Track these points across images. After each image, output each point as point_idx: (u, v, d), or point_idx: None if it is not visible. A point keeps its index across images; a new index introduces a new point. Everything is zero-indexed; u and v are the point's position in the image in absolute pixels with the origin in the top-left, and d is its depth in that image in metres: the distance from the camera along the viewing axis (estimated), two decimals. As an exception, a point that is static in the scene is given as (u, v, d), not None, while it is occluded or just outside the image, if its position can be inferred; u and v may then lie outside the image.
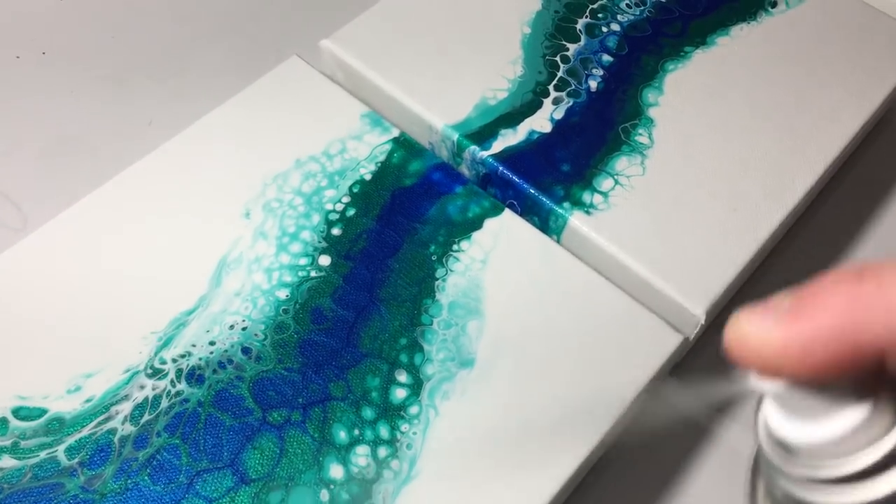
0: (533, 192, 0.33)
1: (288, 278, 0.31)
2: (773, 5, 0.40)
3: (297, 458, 0.27)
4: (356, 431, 0.28)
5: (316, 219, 0.33)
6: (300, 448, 0.27)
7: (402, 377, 0.29)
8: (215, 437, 0.28)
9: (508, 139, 0.35)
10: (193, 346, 0.29)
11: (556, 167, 0.34)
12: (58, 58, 0.43)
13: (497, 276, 0.31)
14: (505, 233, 0.33)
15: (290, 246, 0.32)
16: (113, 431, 0.27)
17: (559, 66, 0.37)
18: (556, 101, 0.36)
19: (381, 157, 0.34)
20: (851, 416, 0.15)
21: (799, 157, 0.35)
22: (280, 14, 0.46)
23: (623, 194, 0.34)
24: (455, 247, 0.32)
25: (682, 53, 0.38)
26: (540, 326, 0.30)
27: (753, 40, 0.39)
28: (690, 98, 0.37)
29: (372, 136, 0.35)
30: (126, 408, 0.28)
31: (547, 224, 0.34)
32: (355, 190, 0.33)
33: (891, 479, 0.15)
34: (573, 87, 0.37)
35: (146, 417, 0.28)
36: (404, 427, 0.28)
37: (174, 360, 0.29)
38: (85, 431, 0.27)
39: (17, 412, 0.28)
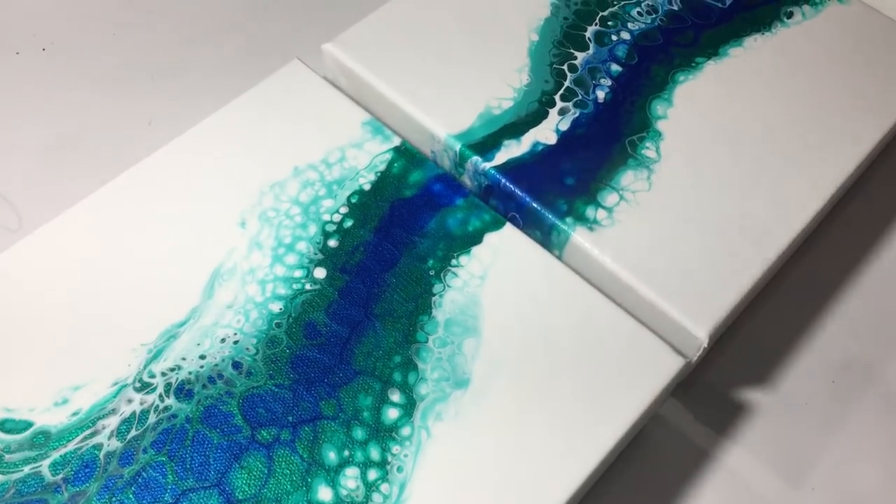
0: (535, 205, 0.33)
1: (282, 291, 0.30)
2: (789, 16, 0.39)
3: (285, 478, 0.27)
4: (346, 452, 0.27)
5: (313, 230, 0.32)
6: (289, 468, 0.27)
7: (395, 396, 0.28)
8: (202, 454, 0.27)
9: (512, 150, 0.34)
10: (183, 359, 0.29)
11: (560, 180, 0.33)
12: (58, 54, 0.43)
13: (496, 293, 0.31)
14: (505, 248, 0.32)
15: (285, 257, 0.31)
16: (99, 447, 0.27)
17: (566, 76, 0.36)
18: (562, 112, 0.35)
19: (381, 167, 0.34)
20: None
21: (811, 174, 0.34)
22: (284, 15, 0.45)
23: (628, 210, 0.33)
24: (454, 262, 0.31)
25: (693, 64, 0.37)
26: (538, 346, 0.30)
27: (767, 52, 0.38)
28: (700, 111, 0.36)
29: (372, 144, 0.34)
30: (113, 422, 0.27)
31: (549, 238, 0.33)
32: (354, 200, 0.33)
33: None
34: (580, 97, 0.36)
35: (133, 433, 0.27)
36: (395, 449, 0.27)
37: (163, 374, 0.28)
38: (70, 446, 0.27)
39: (3, 425, 0.27)
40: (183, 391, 0.28)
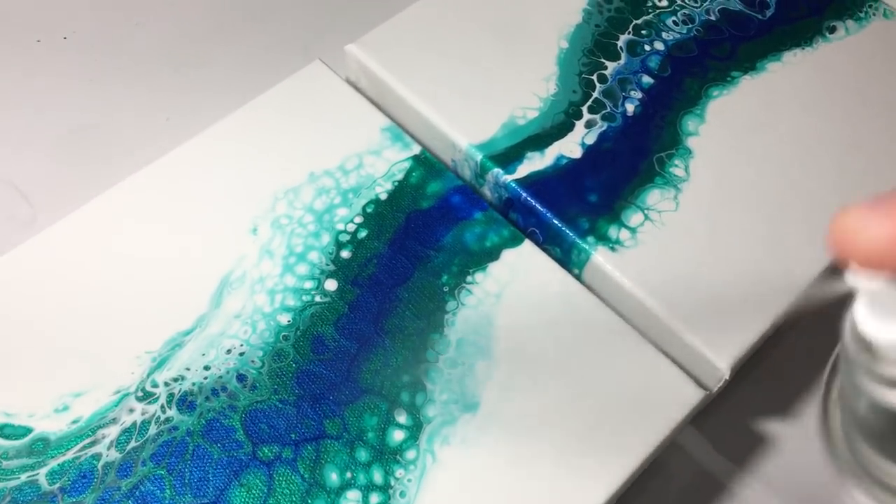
0: (556, 222, 0.32)
1: (291, 302, 0.30)
2: (832, 31, 0.37)
3: (284, 498, 0.26)
4: (348, 474, 0.26)
5: (325, 239, 0.31)
6: (289, 488, 0.26)
7: (402, 418, 0.28)
8: (202, 470, 0.26)
9: (535, 163, 0.33)
10: (188, 369, 0.28)
11: (583, 197, 0.32)
12: (79, 43, 0.42)
13: (511, 314, 0.30)
14: (523, 266, 0.31)
15: (296, 267, 0.30)
16: (97, 457, 0.26)
17: (595, 86, 0.35)
18: (589, 125, 0.34)
19: (399, 176, 0.33)
20: None
21: (847, 199, 0.33)
22: (309, 13, 0.44)
23: (652, 231, 0.31)
24: (469, 278, 0.30)
25: (728, 78, 0.36)
26: (552, 371, 0.29)
27: (807, 68, 0.36)
28: (734, 128, 0.34)
29: (391, 151, 0.33)
30: (113, 432, 0.27)
31: (569, 257, 0.32)
32: (369, 210, 0.32)
33: None
34: (608, 109, 0.35)
35: (133, 444, 0.27)
36: (399, 473, 0.27)
37: (166, 384, 0.28)
38: (69, 455, 0.26)
39: (2, 430, 0.27)
40: (185, 402, 0.27)
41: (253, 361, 0.28)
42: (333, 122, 0.34)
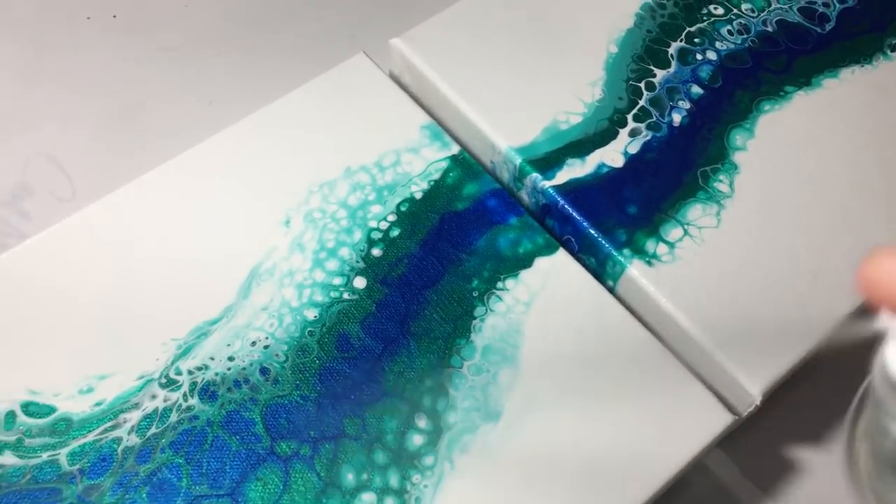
0: (592, 232, 0.31)
1: (319, 298, 0.29)
2: (893, 49, 0.36)
3: (299, 496, 0.26)
4: (364, 476, 0.26)
5: (357, 236, 0.31)
6: (304, 486, 0.26)
7: (422, 422, 0.27)
8: (219, 461, 0.26)
9: (575, 170, 0.32)
10: (212, 359, 0.28)
11: (622, 208, 0.31)
12: (128, 22, 0.42)
13: (540, 323, 0.29)
14: (556, 275, 0.30)
15: (326, 262, 0.30)
16: (118, 441, 0.26)
17: (642, 94, 0.34)
18: (633, 133, 0.33)
19: (436, 175, 0.32)
20: None
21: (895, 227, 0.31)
22: (357, 5, 0.44)
23: (691, 247, 0.31)
24: (500, 284, 0.30)
25: (781, 93, 0.34)
26: (579, 384, 0.28)
27: (864, 86, 0.35)
28: (784, 145, 0.33)
29: (430, 150, 0.33)
30: (135, 417, 0.27)
31: (603, 268, 0.31)
32: (403, 209, 0.31)
33: None
34: (654, 119, 0.34)
35: (153, 430, 0.27)
36: (416, 478, 0.26)
37: (190, 372, 0.28)
38: (90, 437, 0.27)
39: (27, 407, 0.27)
40: (207, 392, 0.27)
41: (277, 355, 0.28)
42: (373, 116, 0.34)
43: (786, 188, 0.32)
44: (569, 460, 0.27)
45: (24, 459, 0.26)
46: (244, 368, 0.28)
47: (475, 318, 0.29)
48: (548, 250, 0.31)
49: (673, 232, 0.31)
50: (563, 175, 0.32)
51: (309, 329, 0.29)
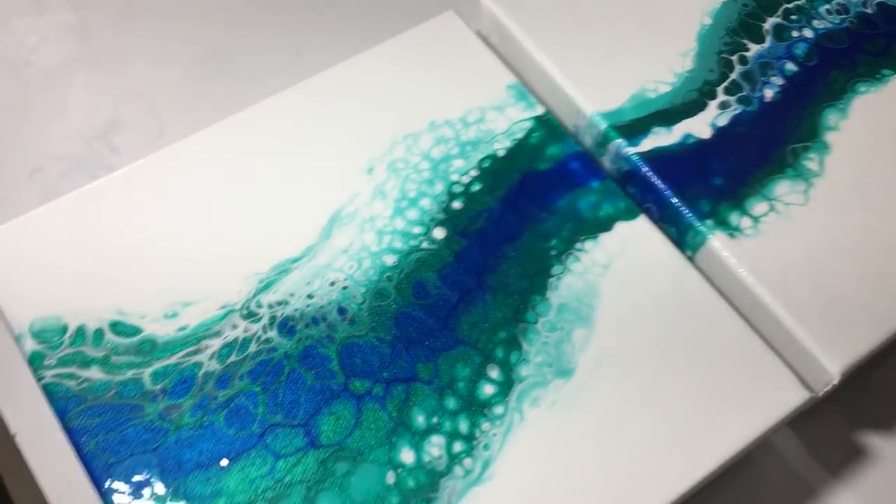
0: (675, 201, 0.31)
1: (398, 244, 0.30)
2: None
3: (370, 433, 0.26)
4: (435, 419, 0.27)
5: (439, 188, 0.31)
6: (375, 423, 0.27)
7: (494, 373, 0.27)
8: (295, 393, 0.27)
9: (660, 139, 0.32)
10: (292, 295, 0.29)
11: (707, 179, 0.31)
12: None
13: (617, 286, 0.29)
14: (635, 241, 0.30)
15: (407, 211, 0.31)
16: (199, 365, 0.27)
17: (734, 68, 0.34)
18: (723, 106, 0.33)
19: (520, 135, 0.32)
20: None
21: None
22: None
23: (776, 222, 0.30)
24: (578, 245, 0.30)
25: (878, 76, 0.34)
26: (653, 349, 0.28)
27: (967, 74, 0.34)
28: (878, 128, 0.32)
29: (515, 110, 0.33)
30: (216, 344, 0.28)
31: (683, 238, 0.31)
32: (485, 165, 0.32)
33: None
34: (745, 93, 0.33)
35: (233, 358, 0.27)
36: (485, 426, 0.27)
37: (270, 306, 0.28)
38: (173, 359, 0.27)
39: (115, 326, 0.28)
40: (286, 327, 0.28)
41: (355, 297, 0.29)
42: (460, 73, 0.34)
43: (877, 171, 0.31)
44: (637, 423, 0.27)
45: (110, 375, 0.27)
46: (322, 307, 0.28)
47: (552, 276, 0.29)
48: (628, 215, 0.31)
49: (758, 206, 0.31)
50: (648, 143, 0.32)
51: (387, 274, 0.29)
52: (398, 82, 0.34)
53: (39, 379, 0.27)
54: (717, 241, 0.30)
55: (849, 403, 0.32)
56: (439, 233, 0.30)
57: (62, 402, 0.26)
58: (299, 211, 0.30)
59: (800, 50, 0.34)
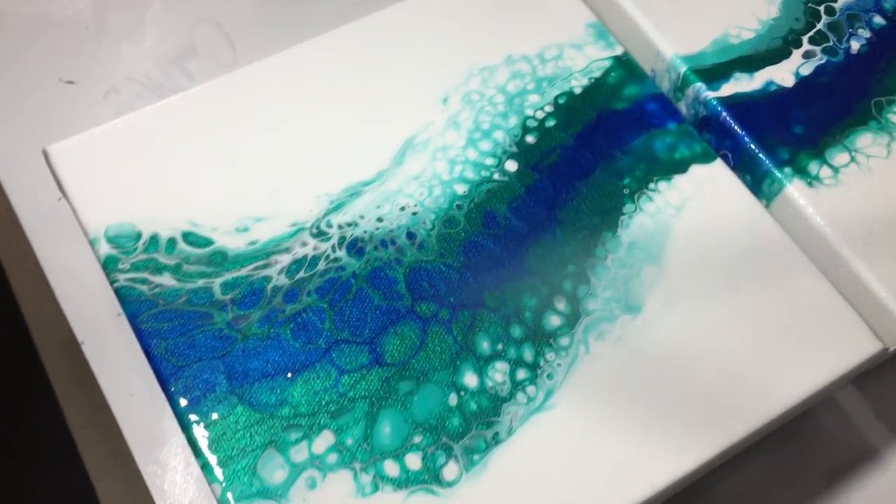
0: (753, 146, 0.30)
1: (470, 174, 0.30)
2: None
3: (434, 355, 0.26)
4: (499, 346, 0.27)
5: (513, 121, 0.31)
6: (440, 346, 0.27)
7: (561, 305, 0.27)
8: (361, 311, 0.27)
9: (741, 85, 0.31)
10: (362, 217, 0.29)
11: (788, 127, 0.30)
12: None
13: (689, 228, 0.29)
14: (710, 184, 0.30)
15: (479, 143, 0.30)
16: (268, 279, 0.28)
17: (821, 17, 0.33)
18: (808, 56, 0.32)
19: (597, 74, 0.32)
20: None
21: None
22: None
23: (857, 174, 0.30)
24: (651, 185, 0.30)
25: (972, 32, 0.33)
26: (723, 292, 0.28)
27: None
28: (968, 85, 0.31)
29: (593, 49, 0.32)
30: (285, 259, 0.28)
31: (759, 187, 0.30)
32: (561, 101, 0.31)
33: None
34: (831, 43, 0.32)
35: (301, 274, 0.28)
36: (550, 356, 0.26)
37: (340, 227, 0.29)
38: (243, 272, 0.28)
39: (187, 236, 0.28)
40: (355, 247, 0.28)
41: (424, 223, 0.29)
42: (539, 9, 0.33)
43: (967, 127, 0.30)
44: (704, 363, 0.27)
45: (181, 283, 0.27)
46: (391, 230, 0.29)
47: (623, 214, 0.29)
48: (705, 159, 0.30)
49: (839, 157, 0.30)
50: (729, 88, 0.31)
51: (457, 202, 0.29)
52: (476, 16, 0.33)
53: (113, 282, 0.27)
54: (794, 189, 0.29)
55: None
56: (511, 165, 0.30)
57: (134, 306, 0.27)
58: (372, 137, 0.30)
59: (889, 3, 0.33)
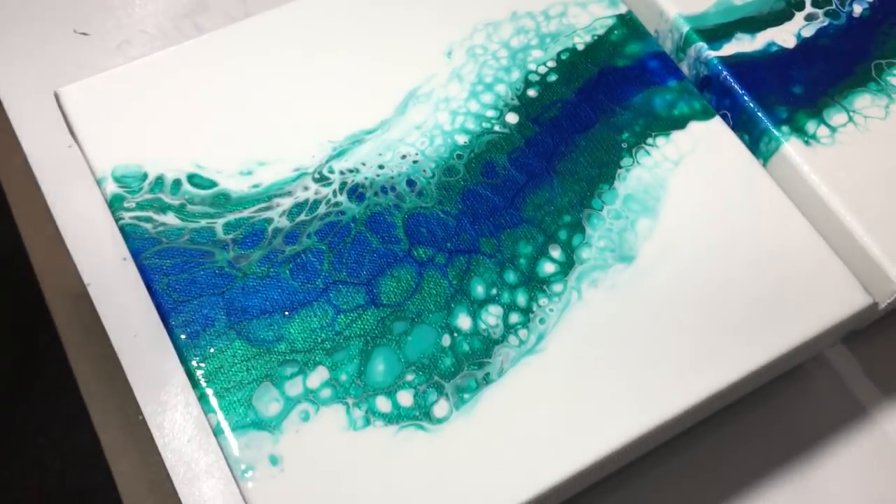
0: (752, 105, 0.30)
1: (471, 125, 0.30)
2: None
3: (430, 297, 0.27)
4: (494, 290, 0.27)
5: (515, 75, 0.31)
6: (436, 289, 0.27)
7: (556, 253, 0.28)
8: (359, 254, 0.28)
9: (743, 45, 0.32)
10: (363, 164, 0.29)
11: (787, 87, 0.31)
12: None
13: (685, 182, 0.29)
14: (708, 141, 0.30)
15: (482, 95, 0.31)
16: (269, 220, 0.28)
17: (825, -19, 0.33)
18: (810, 18, 0.32)
19: (600, 31, 0.32)
20: None
21: None
22: None
23: (854, 134, 0.30)
24: (650, 140, 0.30)
25: (976, -2, 0.33)
26: (716, 245, 0.28)
27: None
28: (970, 50, 0.31)
29: (598, 6, 0.33)
30: (287, 203, 0.28)
31: (757, 146, 0.31)
32: (563, 57, 0.32)
33: None
34: (834, 6, 0.32)
35: (302, 217, 0.28)
36: (543, 301, 0.27)
37: (342, 173, 0.29)
38: (245, 213, 0.28)
39: (192, 178, 0.29)
40: (356, 193, 0.29)
41: (424, 171, 0.29)
42: (545, -32, 0.34)
43: (966, 90, 0.31)
44: (696, 311, 0.27)
45: (185, 222, 0.28)
46: (392, 177, 0.29)
47: (621, 168, 0.29)
48: (703, 116, 0.30)
49: (837, 117, 0.30)
50: (730, 48, 0.32)
51: (458, 152, 0.30)
52: (482, -27, 0.34)
53: (118, 220, 0.28)
54: (791, 147, 0.29)
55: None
56: (512, 118, 0.30)
57: (138, 243, 0.28)
58: (376, 86, 0.31)
59: (896, -32, 0.33)
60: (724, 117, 0.32)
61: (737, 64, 0.31)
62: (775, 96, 0.30)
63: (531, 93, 0.31)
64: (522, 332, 0.26)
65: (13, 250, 0.39)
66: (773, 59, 0.31)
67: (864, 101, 0.30)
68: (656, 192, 0.29)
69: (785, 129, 0.30)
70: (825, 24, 0.32)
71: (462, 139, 0.30)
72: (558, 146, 0.30)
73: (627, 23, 0.32)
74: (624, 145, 0.30)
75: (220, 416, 0.25)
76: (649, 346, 0.26)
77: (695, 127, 0.30)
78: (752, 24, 0.32)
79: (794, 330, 0.27)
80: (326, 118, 0.30)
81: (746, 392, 0.29)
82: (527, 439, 0.25)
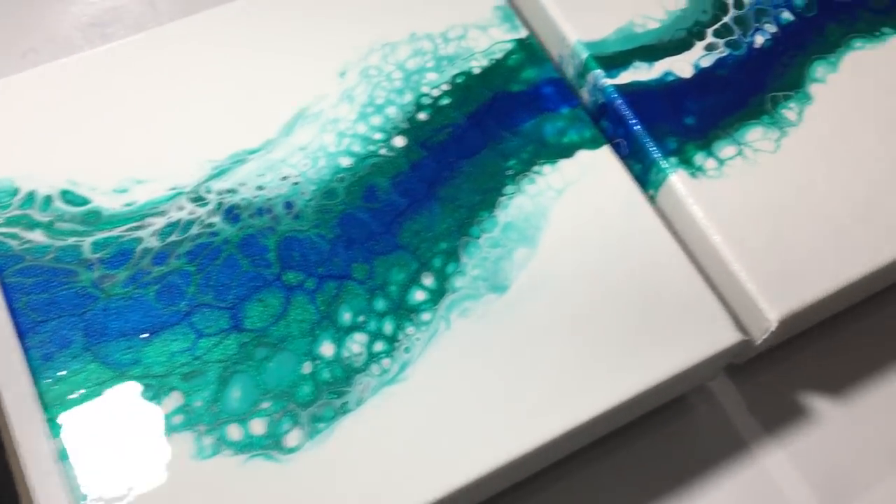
0: (642, 134, 0.30)
1: (356, 148, 0.30)
2: None
3: (295, 323, 0.26)
4: (361, 318, 0.27)
5: (408, 98, 0.31)
6: (302, 315, 0.27)
7: (428, 281, 0.27)
8: (228, 277, 0.27)
9: (640, 73, 0.31)
10: (242, 184, 0.29)
11: (679, 118, 0.30)
12: None
13: (567, 212, 0.29)
14: (594, 170, 0.29)
15: (371, 117, 0.30)
16: (139, 240, 0.28)
17: (728, 11, 0.33)
18: (710, 48, 0.32)
19: (498, 55, 0.32)
20: None
21: (972, 187, 0.29)
22: None
23: (742, 167, 0.29)
24: (536, 168, 0.30)
25: (877, 33, 0.32)
26: (591, 276, 0.28)
27: (972, 40, 0.32)
28: (865, 86, 0.31)
29: (498, 30, 0.32)
30: (160, 222, 0.28)
31: (647, 175, 0.30)
32: (458, 80, 0.31)
33: None
34: (736, 37, 0.32)
35: (173, 238, 0.28)
36: (410, 330, 0.26)
37: (219, 193, 0.29)
38: (115, 232, 0.28)
39: (65, 194, 0.28)
40: (231, 214, 0.28)
41: (304, 193, 0.29)
42: (448, -11, 0.33)
43: (855, 127, 0.30)
44: (565, 342, 0.26)
45: (52, 240, 0.27)
46: (270, 199, 0.29)
47: (503, 195, 0.29)
48: (592, 144, 0.30)
49: (726, 149, 0.30)
50: (627, 76, 0.31)
51: (340, 175, 0.29)
52: (385, -7, 0.33)
53: (-15, 236, 0.27)
54: (677, 178, 0.29)
55: (794, 363, 0.31)
56: (399, 141, 0.30)
57: (1, 261, 0.27)
58: (266, 105, 0.30)
59: (800, 0, 0.33)
60: (619, 146, 0.31)
61: (632, 92, 0.31)
62: (667, 126, 0.30)
63: (422, 116, 0.30)
64: (385, 361, 0.26)
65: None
66: (669, 88, 0.31)
67: (755, 134, 0.30)
68: (537, 221, 0.28)
69: (673, 160, 0.29)
70: (725, 54, 0.32)
71: (346, 161, 0.29)
72: (442, 171, 0.29)
73: (526, 47, 0.32)
74: (509, 172, 0.29)
75: (66, 440, 0.24)
76: (514, 377, 0.26)
77: (582, 155, 0.30)
78: (651, 52, 0.32)
79: (662, 364, 0.26)
80: (211, 136, 0.30)
81: (620, 424, 0.28)
82: (380, 471, 0.24)
